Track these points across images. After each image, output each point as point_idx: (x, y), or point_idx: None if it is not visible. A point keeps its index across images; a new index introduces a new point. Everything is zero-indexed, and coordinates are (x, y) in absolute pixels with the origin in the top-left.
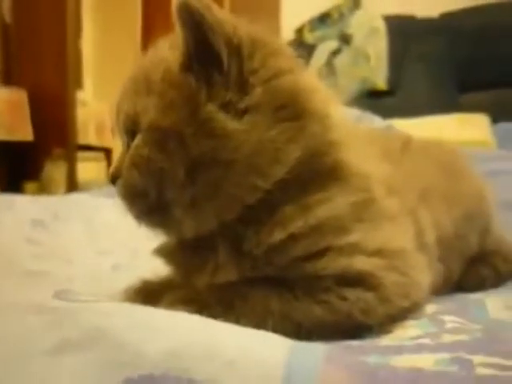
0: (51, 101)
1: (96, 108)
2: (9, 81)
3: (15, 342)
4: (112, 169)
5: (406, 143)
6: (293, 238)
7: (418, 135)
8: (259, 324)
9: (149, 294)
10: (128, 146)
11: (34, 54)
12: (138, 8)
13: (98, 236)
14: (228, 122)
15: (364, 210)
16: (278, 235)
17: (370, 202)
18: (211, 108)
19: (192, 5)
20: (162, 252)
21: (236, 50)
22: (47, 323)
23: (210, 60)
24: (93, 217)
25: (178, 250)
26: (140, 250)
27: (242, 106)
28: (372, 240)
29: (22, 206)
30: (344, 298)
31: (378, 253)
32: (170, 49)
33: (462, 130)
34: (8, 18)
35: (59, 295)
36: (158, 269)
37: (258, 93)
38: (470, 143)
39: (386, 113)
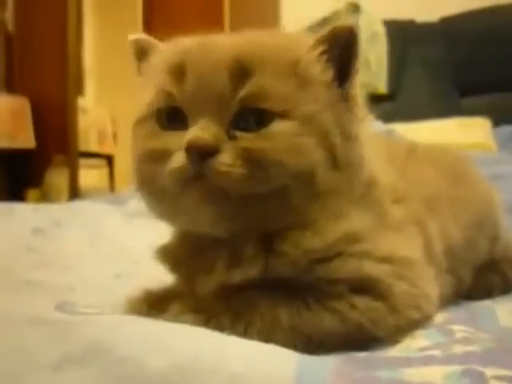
0: (53, 108)
1: (97, 115)
2: (11, 88)
3: (14, 356)
4: (208, 140)
5: (411, 149)
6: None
7: (419, 139)
8: (268, 334)
9: (153, 303)
10: (236, 120)
11: (35, 62)
12: (138, 15)
13: (99, 244)
14: (358, 129)
15: (378, 221)
16: (317, 243)
17: (383, 214)
18: (349, 115)
19: (357, 35)
20: (165, 254)
21: (356, 75)
22: (48, 337)
23: (342, 76)
24: (94, 224)
25: (183, 250)
26: (142, 258)
27: (360, 118)
28: (381, 248)
29: (23, 214)
30: (354, 307)
31: (387, 260)
32: (310, 49)
33: (463, 133)
34: (10, 27)
35: (61, 307)
36: (161, 276)
37: (361, 111)
38: (471, 147)
39: (387, 117)
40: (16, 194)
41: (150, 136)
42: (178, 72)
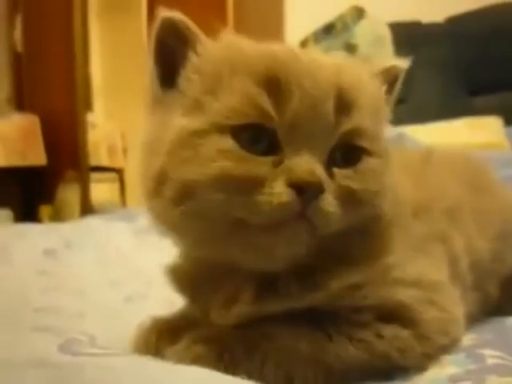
0: (63, 125)
1: (107, 129)
2: (21, 107)
3: None
4: (320, 177)
5: (426, 156)
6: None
7: (430, 141)
8: (286, 366)
9: (163, 333)
10: (330, 157)
11: (44, 80)
12: (143, 30)
13: (110, 265)
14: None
15: (403, 241)
16: (358, 277)
17: (407, 233)
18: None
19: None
20: (176, 278)
21: None
22: (50, 381)
23: None
24: (105, 244)
25: (197, 276)
26: (154, 278)
27: None
28: (410, 272)
29: (34, 235)
30: (381, 336)
31: (416, 284)
32: (379, 86)
33: (474, 133)
34: (19, 47)
35: (65, 347)
36: (173, 298)
37: None
38: (482, 146)
39: (397, 120)
40: (29, 211)
41: (228, 156)
42: (274, 87)
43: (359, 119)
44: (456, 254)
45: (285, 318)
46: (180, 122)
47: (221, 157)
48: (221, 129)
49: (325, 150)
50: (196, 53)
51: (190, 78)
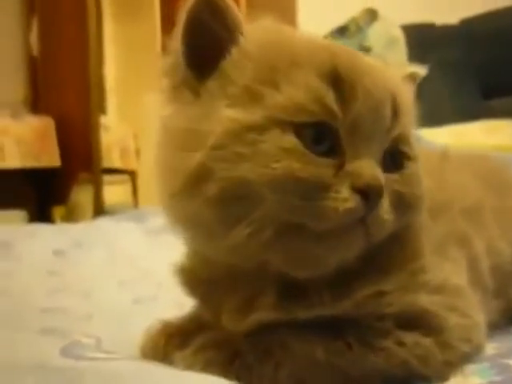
0: (76, 127)
1: (120, 132)
2: (36, 109)
3: None
4: (383, 183)
5: (443, 156)
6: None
7: (445, 144)
8: (300, 374)
9: (172, 336)
10: (382, 164)
11: (59, 83)
12: (157, 32)
13: (119, 265)
14: None
15: (427, 246)
16: (388, 285)
17: (427, 234)
18: None
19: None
20: (187, 280)
21: None
22: None
23: None
24: (116, 244)
25: (210, 279)
26: (164, 279)
27: None
28: (435, 277)
29: (45, 236)
30: (402, 344)
31: (440, 290)
32: (410, 92)
33: (490, 136)
34: (35, 50)
35: (67, 350)
36: (183, 300)
37: None
38: (498, 149)
39: None
40: (43, 212)
41: (292, 156)
42: (338, 83)
43: (405, 124)
44: (476, 256)
45: (299, 324)
46: (228, 113)
47: (284, 156)
48: (282, 125)
49: (380, 154)
50: (243, 35)
51: (239, 63)
